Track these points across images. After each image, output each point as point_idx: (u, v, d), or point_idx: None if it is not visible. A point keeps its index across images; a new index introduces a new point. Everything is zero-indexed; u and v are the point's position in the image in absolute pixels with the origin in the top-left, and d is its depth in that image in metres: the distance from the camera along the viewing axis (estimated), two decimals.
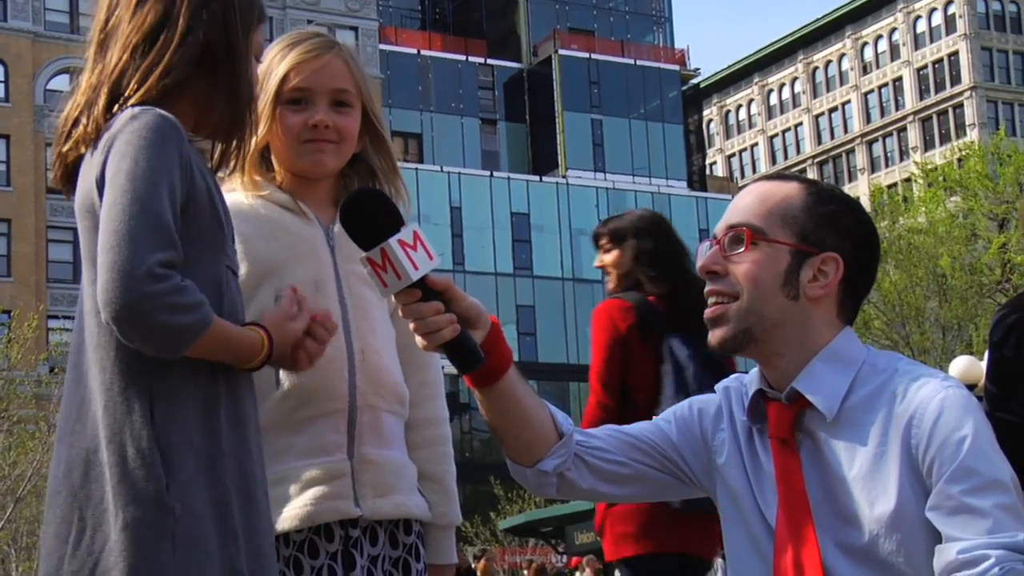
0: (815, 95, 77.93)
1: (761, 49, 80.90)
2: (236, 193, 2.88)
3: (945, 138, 68.50)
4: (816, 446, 2.46)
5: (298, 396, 2.79)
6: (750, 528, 2.52)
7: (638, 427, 2.66)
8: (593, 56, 62.14)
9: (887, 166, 72.31)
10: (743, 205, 2.54)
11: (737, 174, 78.33)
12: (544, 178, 58.84)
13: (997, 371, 2.55)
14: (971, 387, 2.31)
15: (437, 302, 2.37)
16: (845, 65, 76.24)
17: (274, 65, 2.93)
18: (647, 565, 5.10)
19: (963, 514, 2.28)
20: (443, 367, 3.04)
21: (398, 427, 2.95)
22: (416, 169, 52.21)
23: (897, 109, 73.42)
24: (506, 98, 63.25)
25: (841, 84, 76.57)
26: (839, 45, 76.36)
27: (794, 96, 79.16)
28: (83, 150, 2.41)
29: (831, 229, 2.50)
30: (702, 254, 2.53)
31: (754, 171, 77.31)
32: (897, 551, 2.34)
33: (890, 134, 73.72)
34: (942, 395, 2.37)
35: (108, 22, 2.48)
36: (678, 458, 2.62)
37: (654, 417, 2.71)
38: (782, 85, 79.89)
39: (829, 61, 77.20)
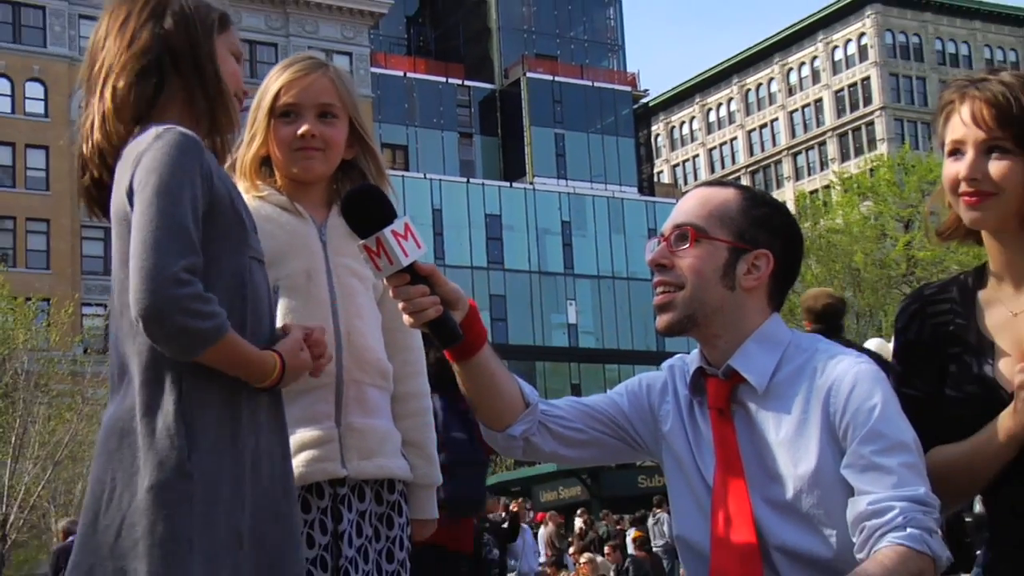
0: (748, 113, 78.08)
1: (701, 73, 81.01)
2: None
3: (859, 151, 68.79)
4: (748, 415, 2.46)
5: None
6: (691, 486, 2.52)
7: (595, 399, 2.66)
8: (556, 78, 62.09)
9: (809, 175, 72.48)
10: (687, 207, 2.53)
11: (681, 181, 78.39)
12: (514, 184, 58.74)
13: (902, 353, 2.55)
14: (882, 365, 2.31)
15: (423, 285, 2.37)
16: (773, 88, 76.43)
17: (270, 84, 2.95)
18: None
19: (872, 471, 2.28)
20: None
21: (383, 399, 2.94)
22: (402, 176, 52.06)
23: (818, 126, 73.61)
24: (481, 115, 63.18)
25: (770, 104, 76.74)
26: (768, 70, 76.51)
27: (730, 114, 79.26)
28: (96, 173, 2.43)
29: (763, 229, 2.51)
30: (650, 250, 2.53)
31: (695, 179, 77.36)
32: (817, 505, 2.35)
33: (812, 147, 73.92)
34: (856, 370, 2.38)
35: (95, 54, 2.49)
36: (629, 426, 2.62)
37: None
38: (719, 104, 79.99)
39: (760, 84, 77.35)
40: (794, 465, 2.38)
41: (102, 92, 2.45)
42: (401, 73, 60.38)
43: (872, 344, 8.11)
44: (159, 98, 2.43)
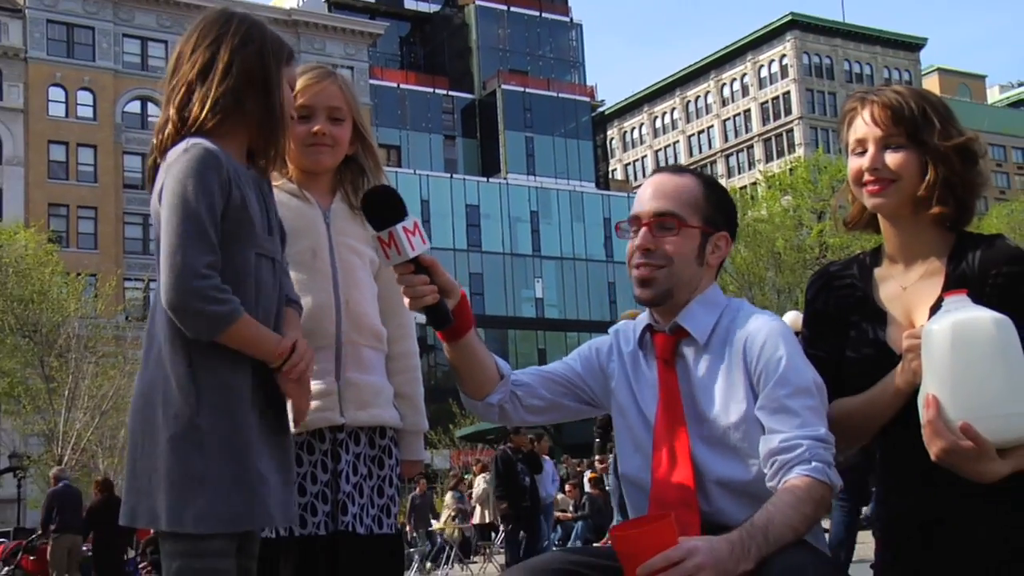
0: (688, 121, 78.07)
1: (649, 87, 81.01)
2: None
3: (780, 154, 68.92)
4: (688, 366, 2.47)
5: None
6: (633, 432, 2.52)
7: (555, 366, 2.67)
8: (527, 90, 61.96)
9: (739, 173, 72.62)
10: (663, 195, 2.50)
11: (632, 178, 78.38)
12: (490, 179, 58.60)
13: (810, 320, 2.57)
14: (797, 334, 2.31)
15: (424, 275, 2.38)
16: (710, 100, 76.45)
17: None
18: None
19: (782, 413, 2.30)
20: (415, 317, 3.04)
21: (378, 358, 2.93)
22: (396, 172, 51.83)
23: (746, 132, 73.73)
24: (463, 120, 63.00)
25: (707, 114, 76.78)
26: (705, 85, 76.53)
27: (673, 122, 79.24)
28: (158, 159, 2.41)
29: (720, 213, 2.52)
30: (631, 235, 2.51)
31: (644, 175, 77.21)
32: (742, 439, 2.36)
33: (741, 150, 74.05)
34: (768, 327, 2.40)
35: (176, 65, 2.45)
36: (584, 385, 2.63)
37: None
38: (664, 113, 79.95)
39: (698, 96, 77.35)
40: (725, 406, 2.39)
41: (180, 103, 2.40)
42: (395, 84, 60.25)
43: (788, 317, 8.14)
44: (229, 116, 2.39)
